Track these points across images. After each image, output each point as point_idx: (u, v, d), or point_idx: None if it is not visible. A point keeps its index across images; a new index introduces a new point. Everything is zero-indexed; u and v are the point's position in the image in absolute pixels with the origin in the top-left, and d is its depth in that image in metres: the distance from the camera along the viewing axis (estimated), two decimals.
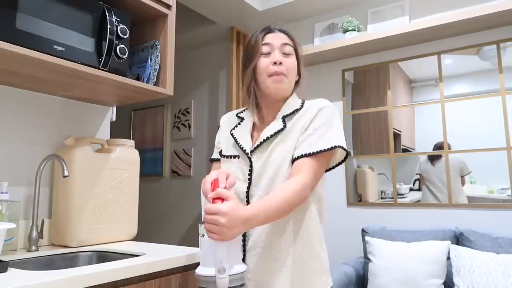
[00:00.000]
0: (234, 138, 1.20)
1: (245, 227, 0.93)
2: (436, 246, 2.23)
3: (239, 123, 1.24)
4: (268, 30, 1.19)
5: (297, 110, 1.16)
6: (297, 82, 1.23)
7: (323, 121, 1.11)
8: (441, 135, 2.61)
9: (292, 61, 1.16)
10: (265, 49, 1.16)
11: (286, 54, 1.16)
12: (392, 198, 2.75)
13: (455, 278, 2.12)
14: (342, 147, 1.10)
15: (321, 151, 1.07)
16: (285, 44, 1.16)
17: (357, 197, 2.90)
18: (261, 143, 1.14)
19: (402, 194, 2.73)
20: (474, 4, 2.58)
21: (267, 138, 1.13)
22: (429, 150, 2.65)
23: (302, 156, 1.07)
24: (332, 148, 1.08)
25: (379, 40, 2.69)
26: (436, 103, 2.66)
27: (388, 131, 2.82)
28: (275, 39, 1.16)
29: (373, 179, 2.85)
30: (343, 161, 1.16)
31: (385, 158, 2.81)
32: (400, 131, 2.79)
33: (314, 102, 1.17)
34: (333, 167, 1.18)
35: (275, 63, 1.13)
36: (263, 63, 1.15)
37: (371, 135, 2.89)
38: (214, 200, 0.92)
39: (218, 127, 1.32)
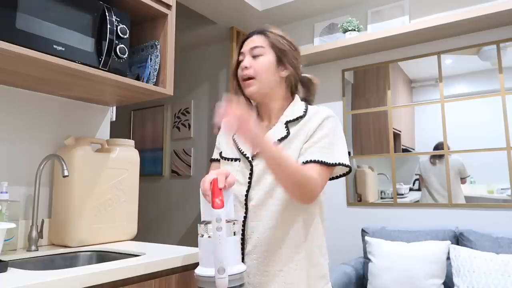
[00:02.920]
0: (235, 142, 1.21)
1: (254, 136, 0.97)
2: (436, 246, 2.23)
3: None
4: (247, 36, 1.21)
5: (301, 117, 1.16)
6: (287, 79, 1.20)
7: (328, 131, 1.11)
8: (441, 135, 2.61)
9: (260, 61, 1.16)
10: (240, 57, 1.20)
11: (255, 57, 1.17)
12: (392, 198, 2.75)
13: (455, 278, 2.12)
14: (348, 166, 1.11)
15: (328, 163, 1.07)
16: (254, 47, 1.17)
17: (357, 197, 2.90)
18: None
19: (402, 194, 2.73)
20: (474, 4, 2.58)
21: None
22: (429, 150, 2.65)
23: (310, 161, 1.07)
24: (338, 165, 1.09)
25: (379, 40, 2.69)
26: (436, 103, 2.66)
27: (388, 131, 2.82)
28: (247, 45, 1.19)
29: (373, 179, 2.85)
30: (344, 174, 1.17)
31: (385, 158, 2.81)
32: (400, 131, 2.79)
33: (318, 110, 1.16)
34: (334, 178, 1.18)
35: (241, 68, 1.17)
36: (238, 71, 1.20)
37: (371, 135, 2.89)
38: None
39: (219, 129, 1.32)
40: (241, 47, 1.21)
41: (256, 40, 1.18)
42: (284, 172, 0.99)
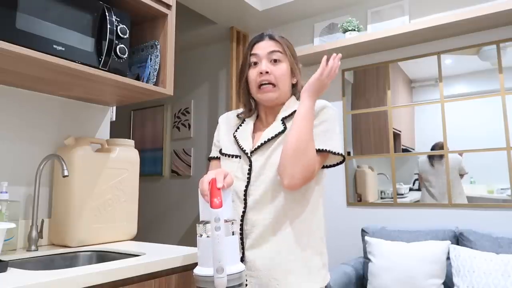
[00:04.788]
0: (236, 139, 1.22)
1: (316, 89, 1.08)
2: (436, 246, 2.23)
3: (240, 125, 1.26)
4: (258, 39, 1.20)
5: (295, 111, 1.16)
6: (295, 85, 1.23)
7: (325, 119, 1.13)
8: (441, 135, 2.61)
9: (281, 68, 1.16)
10: (253, 59, 1.18)
11: (274, 62, 1.16)
12: (392, 198, 2.75)
13: (455, 278, 2.12)
14: (343, 155, 1.12)
15: (324, 150, 1.09)
16: (272, 51, 1.16)
17: (357, 197, 2.90)
18: (261, 144, 1.15)
19: (402, 194, 2.73)
20: (474, 4, 2.58)
21: (268, 140, 1.15)
22: (429, 150, 2.65)
23: None
24: (334, 153, 1.10)
25: (379, 40, 2.69)
26: (436, 103, 2.66)
27: (388, 131, 2.82)
28: (262, 48, 1.17)
29: (373, 179, 2.85)
30: (337, 164, 1.16)
31: (385, 158, 2.81)
32: (400, 131, 2.79)
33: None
34: (327, 167, 1.17)
35: (261, 73, 1.15)
36: (252, 74, 1.18)
37: (371, 135, 2.89)
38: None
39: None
40: (251, 47, 1.19)
41: (272, 44, 1.17)
42: (303, 132, 1.04)
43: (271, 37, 1.19)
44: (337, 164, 1.16)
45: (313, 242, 1.12)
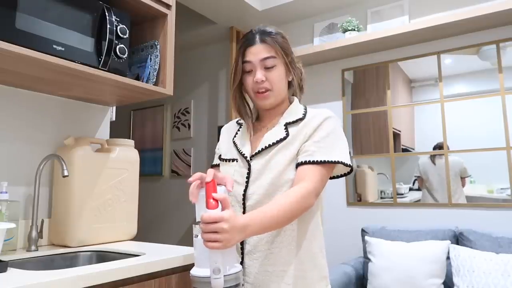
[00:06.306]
0: (235, 144, 1.21)
1: (243, 235, 0.92)
2: (435, 246, 2.23)
3: (238, 130, 1.26)
4: (248, 43, 1.16)
5: (300, 119, 1.15)
6: (291, 83, 1.22)
7: (329, 130, 1.11)
8: (440, 135, 2.61)
9: (276, 73, 1.14)
10: (247, 67, 1.16)
11: (268, 68, 1.14)
12: (392, 198, 2.75)
13: (455, 278, 2.12)
14: (350, 165, 1.11)
15: (328, 161, 1.07)
16: (265, 58, 1.13)
17: (356, 197, 2.90)
18: (262, 149, 1.14)
19: (402, 194, 2.73)
20: (474, 4, 2.58)
21: (269, 145, 1.13)
22: (428, 150, 2.66)
23: (307, 162, 1.07)
24: (339, 163, 1.09)
25: (378, 40, 2.69)
26: (435, 103, 2.66)
27: (387, 131, 2.82)
28: (255, 54, 1.14)
29: (373, 179, 2.85)
30: (345, 174, 1.17)
31: (384, 158, 2.81)
32: (399, 131, 2.79)
33: (318, 112, 1.16)
34: (335, 177, 1.18)
35: (257, 81, 1.13)
36: (248, 81, 1.17)
37: (370, 135, 2.89)
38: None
39: (218, 139, 1.33)
40: (243, 53, 1.16)
41: (264, 49, 1.14)
42: (279, 220, 0.98)
43: (262, 40, 1.15)
44: (344, 175, 1.16)
45: (314, 252, 1.11)
